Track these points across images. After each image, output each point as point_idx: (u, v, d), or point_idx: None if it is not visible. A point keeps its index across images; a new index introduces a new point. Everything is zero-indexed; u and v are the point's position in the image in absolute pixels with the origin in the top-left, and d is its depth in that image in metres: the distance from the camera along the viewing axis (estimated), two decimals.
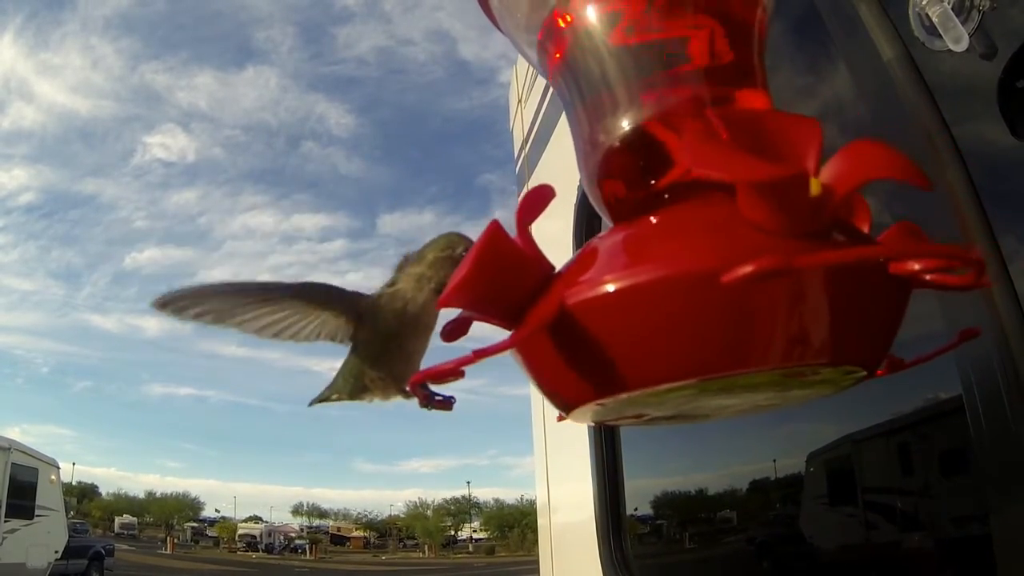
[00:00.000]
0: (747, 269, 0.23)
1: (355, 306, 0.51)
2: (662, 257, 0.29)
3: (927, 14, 0.58)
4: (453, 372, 0.30)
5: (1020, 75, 0.52)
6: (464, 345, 0.39)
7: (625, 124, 0.35)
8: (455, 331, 0.37)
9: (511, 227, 0.31)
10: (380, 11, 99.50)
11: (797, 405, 0.37)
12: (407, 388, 0.49)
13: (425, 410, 0.46)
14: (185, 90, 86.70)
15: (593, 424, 0.38)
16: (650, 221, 0.33)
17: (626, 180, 0.36)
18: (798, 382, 0.32)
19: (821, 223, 0.27)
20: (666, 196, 0.34)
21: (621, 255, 0.32)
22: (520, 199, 0.33)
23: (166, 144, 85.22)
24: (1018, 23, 0.53)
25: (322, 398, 0.55)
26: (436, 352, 0.50)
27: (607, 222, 0.37)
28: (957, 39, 0.54)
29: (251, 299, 0.49)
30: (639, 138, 0.34)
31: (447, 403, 0.46)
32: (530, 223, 0.32)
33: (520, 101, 2.22)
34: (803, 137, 0.28)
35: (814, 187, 0.26)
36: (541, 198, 0.33)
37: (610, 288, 0.27)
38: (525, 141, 2.12)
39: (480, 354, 0.29)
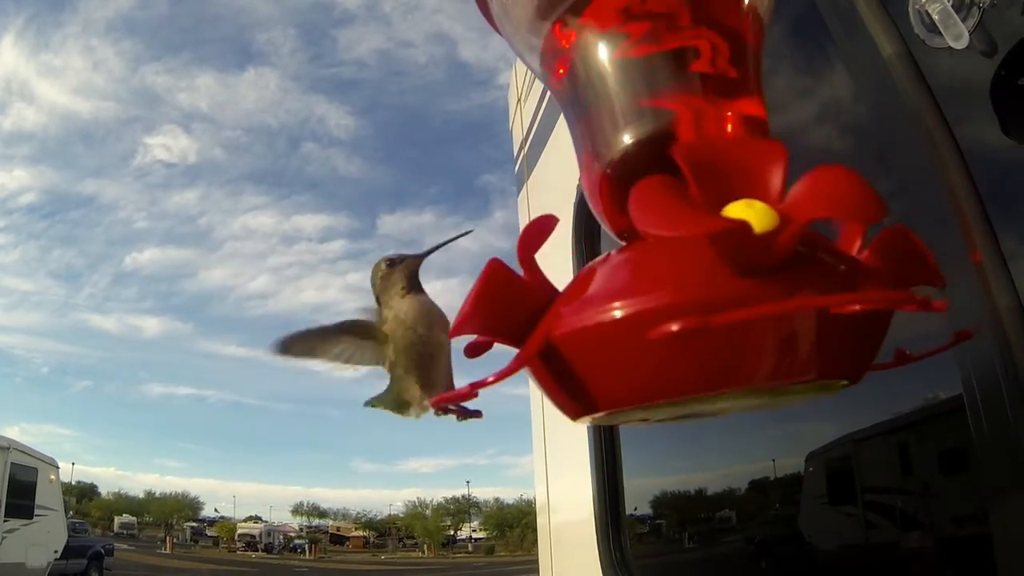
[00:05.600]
0: (672, 327, 0.25)
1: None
2: (628, 293, 0.30)
3: (927, 11, 0.57)
4: (468, 395, 0.34)
5: (1017, 73, 0.52)
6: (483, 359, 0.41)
7: (626, 139, 0.35)
8: (479, 348, 0.40)
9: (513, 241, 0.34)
10: (380, 14, 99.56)
11: (791, 405, 0.39)
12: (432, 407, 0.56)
13: (458, 422, 0.53)
14: (186, 91, 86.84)
15: (601, 424, 0.41)
16: (634, 249, 0.35)
17: (626, 195, 0.36)
18: (785, 391, 0.33)
19: (778, 256, 0.28)
20: None
21: (602, 288, 0.33)
22: (521, 232, 0.36)
23: (167, 145, 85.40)
24: (1018, 21, 0.52)
25: (374, 403, 0.63)
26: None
27: (607, 231, 0.39)
28: (957, 36, 0.54)
29: (326, 337, 0.61)
30: (639, 153, 0.35)
31: (477, 413, 0.52)
32: (531, 255, 0.35)
33: (519, 101, 2.22)
34: (766, 165, 0.29)
35: (768, 220, 0.27)
36: (542, 229, 0.36)
37: (581, 324, 0.30)
38: (524, 141, 2.12)
39: (476, 386, 0.33)
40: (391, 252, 0.63)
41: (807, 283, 0.28)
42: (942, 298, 0.29)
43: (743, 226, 0.26)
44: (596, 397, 0.31)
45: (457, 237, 0.67)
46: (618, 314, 0.29)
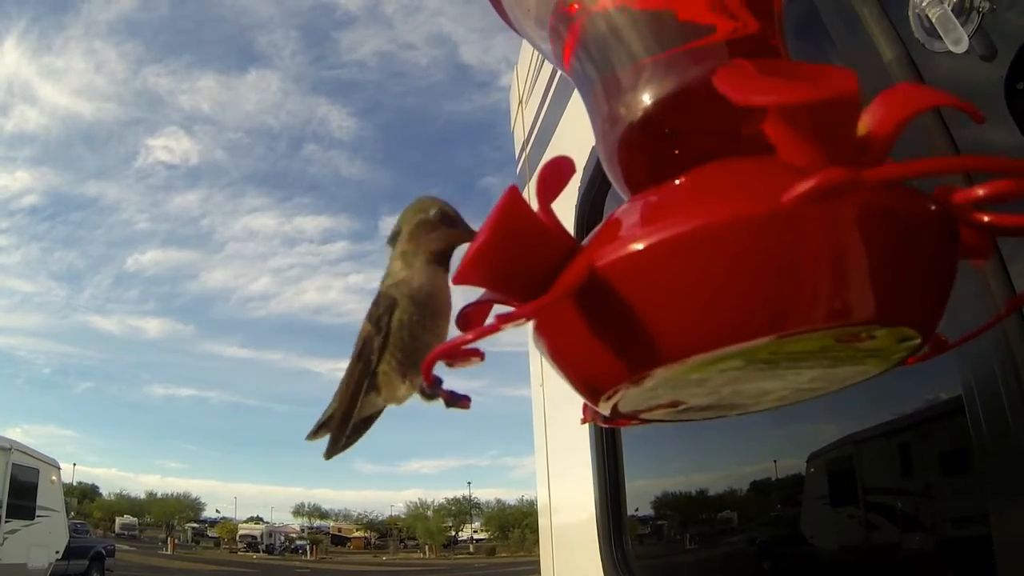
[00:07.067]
0: (808, 184, 0.20)
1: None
2: (698, 209, 0.25)
3: (927, 16, 0.58)
4: (470, 345, 0.27)
5: (1019, 77, 0.53)
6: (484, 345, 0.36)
7: (645, 98, 0.33)
8: (472, 316, 0.34)
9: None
10: (382, 15, 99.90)
11: (845, 386, 0.34)
12: (422, 383, 0.44)
13: (445, 408, 0.43)
14: (188, 93, 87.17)
15: (622, 419, 0.36)
16: (676, 184, 0.30)
17: (646, 154, 0.35)
18: (848, 353, 0.29)
19: (868, 162, 0.24)
20: (687, 166, 0.32)
21: (651, 214, 0.29)
22: (537, 173, 0.30)
23: (169, 147, 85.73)
24: (1017, 25, 0.53)
25: (321, 422, 0.49)
26: None
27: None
28: (957, 41, 0.55)
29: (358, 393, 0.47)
30: (658, 112, 0.33)
31: (465, 400, 0.42)
32: (551, 199, 0.29)
33: (521, 102, 2.22)
34: (840, 78, 0.25)
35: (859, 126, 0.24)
36: (559, 171, 0.30)
37: (645, 244, 0.25)
38: (526, 142, 2.12)
39: (503, 319, 0.26)
40: (444, 200, 0.47)
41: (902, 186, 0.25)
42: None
43: (852, 94, 0.23)
44: (650, 347, 0.25)
45: None
46: (702, 224, 0.24)
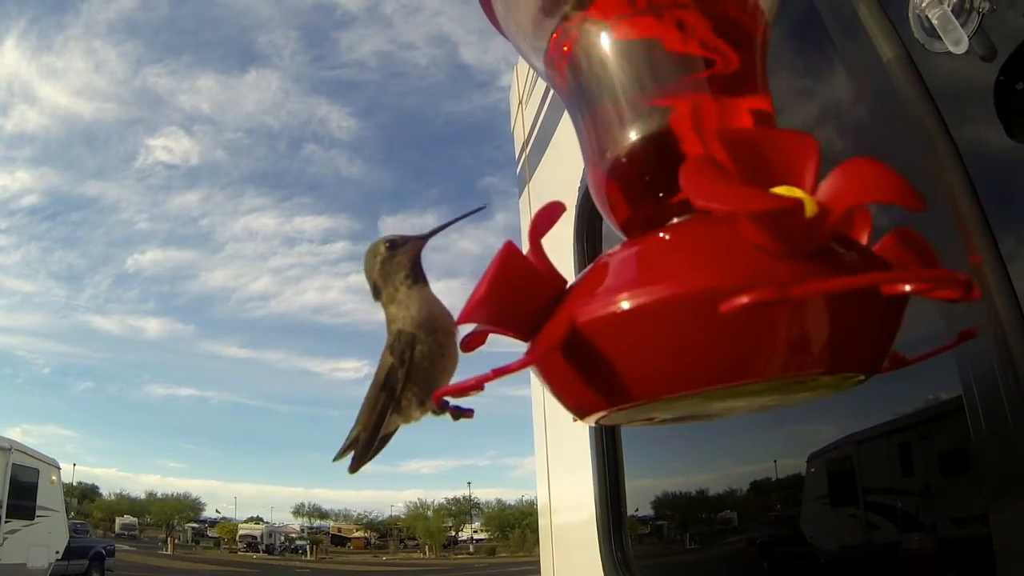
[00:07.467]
0: (743, 300, 0.24)
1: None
2: (666, 277, 0.30)
3: (927, 16, 0.58)
4: (474, 387, 0.32)
5: (1018, 77, 0.53)
6: (486, 350, 0.41)
7: (632, 135, 0.35)
8: (473, 342, 0.39)
9: (520, 235, 0.32)
10: (381, 15, 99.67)
11: (801, 404, 0.39)
12: (432, 405, 0.52)
13: (452, 421, 0.50)
14: (187, 93, 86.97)
15: (605, 425, 0.41)
16: (656, 238, 0.34)
17: (632, 190, 0.37)
18: (800, 386, 0.33)
19: (818, 243, 0.28)
20: (672, 205, 0.35)
21: (627, 274, 0.33)
22: (533, 215, 0.35)
23: (169, 147, 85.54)
24: (1016, 25, 0.53)
25: (347, 445, 0.56)
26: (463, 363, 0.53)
27: (614, 230, 0.38)
28: (957, 41, 0.54)
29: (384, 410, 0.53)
30: (645, 149, 0.35)
31: (469, 413, 0.50)
32: (541, 237, 0.34)
33: (521, 102, 2.22)
34: (800, 156, 0.29)
35: (809, 208, 0.27)
36: (552, 214, 0.35)
37: (616, 308, 0.29)
38: (526, 142, 2.12)
39: (498, 372, 0.31)
40: (389, 233, 0.55)
41: (843, 269, 0.29)
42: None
43: (797, 204, 0.27)
44: (623, 389, 0.30)
45: (468, 214, 0.58)
46: (663, 296, 0.28)
